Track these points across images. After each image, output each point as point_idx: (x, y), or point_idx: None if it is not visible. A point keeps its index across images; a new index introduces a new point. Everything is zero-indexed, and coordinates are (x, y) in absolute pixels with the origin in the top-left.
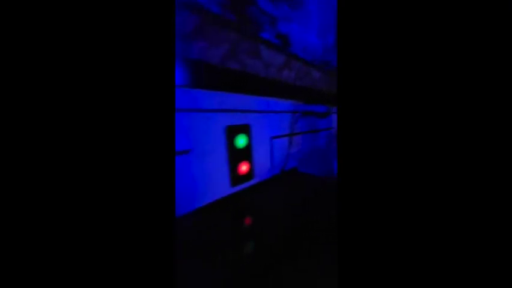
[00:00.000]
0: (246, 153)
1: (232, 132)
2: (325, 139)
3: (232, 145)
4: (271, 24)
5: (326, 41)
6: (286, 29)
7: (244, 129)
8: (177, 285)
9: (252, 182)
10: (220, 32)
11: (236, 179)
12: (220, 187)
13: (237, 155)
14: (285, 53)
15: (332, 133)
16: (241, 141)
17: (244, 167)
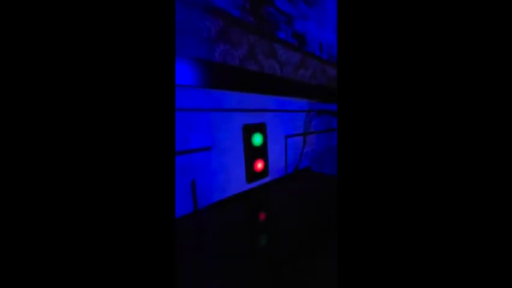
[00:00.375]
0: (261, 151)
1: (249, 130)
2: None
3: (249, 143)
4: (287, 23)
5: None
6: (303, 28)
7: (260, 127)
8: (177, 285)
9: (267, 179)
10: (240, 35)
11: (252, 175)
12: (237, 183)
13: (253, 153)
14: (301, 51)
15: None
16: (257, 139)
17: (259, 165)
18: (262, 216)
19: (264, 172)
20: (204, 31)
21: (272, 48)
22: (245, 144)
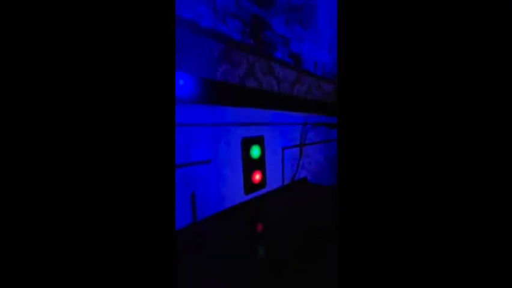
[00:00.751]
0: (259, 163)
1: (247, 143)
2: (335, 150)
3: (247, 155)
4: (284, 45)
5: (336, 55)
6: (298, 48)
7: (259, 140)
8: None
9: (264, 190)
10: (240, 55)
11: (250, 187)
12: (235, 194)
13: (251, 165)
14: (296, 70)
15: None
16: (255, 151)
17: (257, 176)
18: (260, 226)
19: (262, 183)
20: (207, 53)
21: (270, 67)
22: (243, 156)
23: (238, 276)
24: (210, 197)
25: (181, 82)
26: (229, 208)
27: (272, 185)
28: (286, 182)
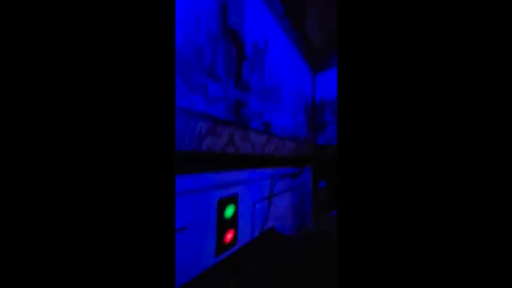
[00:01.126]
0: (232, 222)
1: (222, 204)
2: (299, 196)
3: (222, 216)
4: (258, 117)
5: (297, 120)
6: (269, 118)
7: (233, 199)
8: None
9: (235, 248)
10: (223, 129)
11: (222, 248)
12: (208, 257)
13: (224, 225)
14: (267, 134)
15: (305, 190)
16: (229, 211)
17: (229, 236)
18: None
19: (233, 242)
20: (197, 131)
21: (246, 135)
22: (218, 217)
23: None
24: (181, 264)
25: None
26: (201, 273)
27: (243, 239)
28: (256, 234)
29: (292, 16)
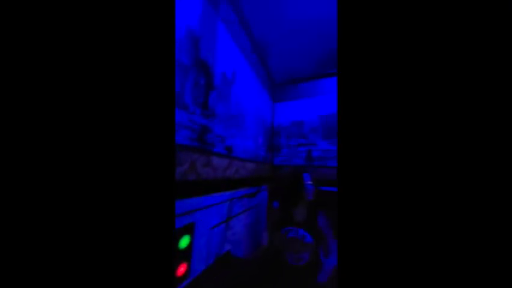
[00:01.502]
0: (187, 253)
1: (178, 235)
2: (255, 215)
3: (175, 248)
4: (221, 141)
5: (257, 142)
6: (231, 142)
7: (189, 228)
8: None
9: (187, 280)
10: (185, 156)
11: (173, 283)
12: None
13: (177, 258)
14: (229, 157)
15: (261, 209)
16: (184, 242)
17: (182, 269)
18: None
19: (186, 274)
20: None
21: (209, 160)
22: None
23: None
24: None
25: None
26: None
27: (198, 269)
28: (211, 261)
29: (257, 53)
